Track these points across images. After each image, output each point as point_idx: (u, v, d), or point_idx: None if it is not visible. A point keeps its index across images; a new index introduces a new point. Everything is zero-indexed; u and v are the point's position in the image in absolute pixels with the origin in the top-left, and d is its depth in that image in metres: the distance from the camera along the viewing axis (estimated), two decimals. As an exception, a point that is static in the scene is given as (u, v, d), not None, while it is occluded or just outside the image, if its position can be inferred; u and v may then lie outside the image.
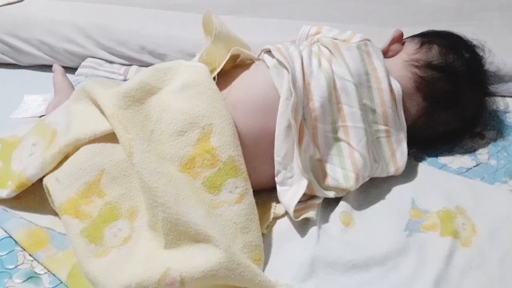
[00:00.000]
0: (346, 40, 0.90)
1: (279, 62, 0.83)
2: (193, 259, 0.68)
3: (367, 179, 0.87)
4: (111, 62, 1.22)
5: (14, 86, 1.22)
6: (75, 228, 0.72)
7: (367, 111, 0.87)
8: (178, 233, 0.69)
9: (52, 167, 0.79)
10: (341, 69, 0.85)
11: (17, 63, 1.27)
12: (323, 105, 0.83)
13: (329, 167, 0.85)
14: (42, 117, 0.94)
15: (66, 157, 0.79)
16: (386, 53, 0.95)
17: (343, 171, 0.85)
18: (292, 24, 1.17)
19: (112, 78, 1.17)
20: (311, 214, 0.80)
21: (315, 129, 0.84)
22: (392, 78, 0.89)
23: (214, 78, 0.81)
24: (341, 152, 0.85)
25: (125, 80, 1.18)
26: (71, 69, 1.23)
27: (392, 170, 0.90)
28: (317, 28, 0.94)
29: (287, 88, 0.81)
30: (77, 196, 0.74)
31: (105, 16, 1.25)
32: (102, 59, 1.22)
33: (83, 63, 1.21)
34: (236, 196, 0.75)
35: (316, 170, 0.85)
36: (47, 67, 1.23)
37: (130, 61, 1.22)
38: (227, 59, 0.83)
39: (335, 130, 0.85)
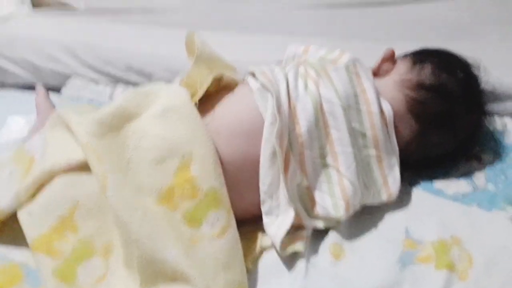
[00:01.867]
0: (334, 60, 0.87)
1: (263, 86, 0.80)
2: (170, 301, 0.64)
3: (358, 207, 0.83)
4: (96, 82, 1.18)
5: (-4, 104, 1.18)
6: (47, 267, 0.69)
7: (357, 135, 0.83)
8: (154, 272, 0.66)
9: (27, 198, 0.75)
10: (329, 92, 0.82)
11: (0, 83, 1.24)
12: (309, 130, 0.79)
13: (317, 195, 0.81)
14: (20, 144, 0.91)
15: (40, 187, 0.75)
16: (376, 73, 0.91)
17: (332, 199, 0.81)
18: (282, 40, 1.13)
19: (97, 100, 1.13)
20: (298, 246, 0.76)
21: (302, 156, 0.80)
22: (382, 99, 0.85)
23: (195, 103, 0.78)
24: (330, 179, 0.81)
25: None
26: (56, 89, 1.19)
27: (384, 197, 0.86)
28: (304, 47, 0.90)
29: (271, 113, 0.77)
30: (49, 231, 0.70)
31: (91, 34, 1.22)
32: (87, 77, 1.18)
33: (68, 82, 1.17)
34: (218, 230, 0.72)
35: (304, 198, 0.81)
36: (31, 87, 1.19)
37: (117, 80, 1.18)
38: (208, 83, 0.80)
39: (323, 156, 0.81)
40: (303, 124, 0.79)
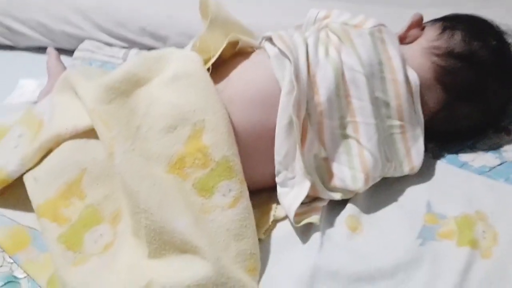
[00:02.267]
0: (358, 25, 0.81)
1: (281, 52, 0.75)
2: (178, 272, 0.62)
3: (378, 179, 0.79)
4: (110, 45, 1.15)
5: (10, 69, 1.17)
6: (52, 233, 0.67)
7: (380, 105, 0.78)
8: (163, 242, 0.63)
9: (33, 164, 0.73)
10: (351, 59, 0.77)
11: (13, 45, 1.22)
12: (330, 99, 0.75)
13: (335, 167, 0.77)
14: (31, 106, 0.88)
15: (49, 152, 0.73)
16: (403, 40, 0.86)
17: (351, 171, 0.77)
18: (302, 4, 1.08)
19: (111, 62, 1.10)
20: (314, 218, 0.73)
21: (321, 125, 0.76)
22: (409, 67, 0.80)
23: (208, 69, 0.74)
24: (350, 150, 0.77)
25: (124, 64, 1.11)
26: (69, 52, 1.17)
27: (406, 170, 0.81)
28: (326, 12, 0.85)
29: (289, 81, 0.73)
30: (55, 197, 0.68)
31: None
32: (100, 41, 1.15)
33: (80, 46, 1.15)
34: (230, 200, 0.68)
35: (321, 170, 0.77)
36: (44, 49, 1.16)
37: (130, 44, 1.15)
38: (223, 47, 0.75)
39: (343, 126, 0.77)
40: (322, 92, 0.75)
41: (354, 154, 0.77)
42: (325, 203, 0.77)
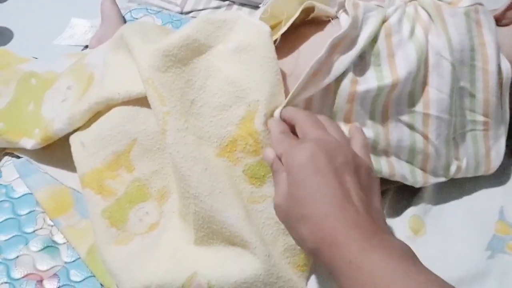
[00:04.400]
0: (453, 2, 0.70)
1: (353, 24, 0.66)
2: (225, 266, 0.57)
3: (442, 180, 0.72)
4: (169, -12, 1.07)
5: (62, 4, 1.11)
6: (96, 206, 0.63)
7: (465, 96, 0.69)
8: (211, 231, 0.59)
9: (81, 124, 0.69)
10: (440, 42, 0.67)
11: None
12: (405, 84, 0.66)
13: (395, 161, 0.70)
14: (82, 55, 0.83)
15: (98, 114, 0.68)
16: (499, 21, 0.75)
17: (409, 166, 0.70)
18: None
19: (167, 9, 1.03)
20: None
21: (386, 110, 0.68)
22: (502, 56, 0.70)
23: (276, 40, 0.66)
24: (414, 144, 0.69)
25: (181, 13, 1.03)
26: (125, -8, 1.09)
27: (482, 170, 0.73)
28: (417, -17, 0.74)
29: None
30: (102, 166, 0.64)
31: None
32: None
33: (137, -13, 1.07)
34: None
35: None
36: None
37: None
38: (295, 16, 0.67)
39: (412, 117, 0.68)
40: (402, 74, 0.66)
41: (418, 149, 0.69)
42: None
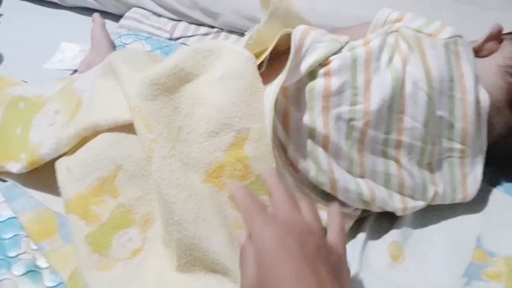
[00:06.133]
0: (433, 34, 0.73)
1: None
2: (206, 292, 0.58)
3: (421, 205, 0.73)
4: (158, 15, 1.09)
5: (52, 29, 1.13)
6: (80, 232, 0.63)
7: (443, 125, 0.72)
8: (193, 258, 0.59)
9: (67, 149, 0.70)
10: (418, 73, 0.69)
11: (60, 2, 1.17)
12: (380, 110, 0.68)
13: (372, 184, 0.72)
14: (71, 80, 0.84)
15: (85, 140, 0.69)
16: (478, 52, 0.78)
17: (387, 190, 0.71)
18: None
19: (156, 35, 1.05)
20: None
21: (363, 136, 0.70)
22: (480, 86, 0.73)
23: (262, 64, 0.68)
24: (388, 168, 0.71)
25: (170, 38, 1.05)
26: (116, 16, 1.12)
27: (459, 197, 0.75)
28: (398, 14, 0.76)
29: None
30: (87, 192, 0.65)
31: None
32: (149, 10, 1.09)
33: (127, 14, 1.09)
34: None
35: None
36: (90, 11, 1.12)
37: (179, 17, 1.09)
38: (274, 43, 0.69)
39: (386, 143, 0.71)
40: (374, 101, 0.68)
41: (392, 173, 0.71)
42: (358, 213, 0.73)
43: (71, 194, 0.65)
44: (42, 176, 0.74)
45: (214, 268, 0.59)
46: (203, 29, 1.08)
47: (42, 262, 0.68)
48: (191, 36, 1.06)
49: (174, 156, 0.62)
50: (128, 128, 0.65)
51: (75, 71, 0.99)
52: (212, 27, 1.08)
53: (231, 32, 1.07)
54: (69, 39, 1.07)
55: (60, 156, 0.71)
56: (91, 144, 0.67)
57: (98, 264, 0.62)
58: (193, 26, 1.08)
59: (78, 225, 0.64)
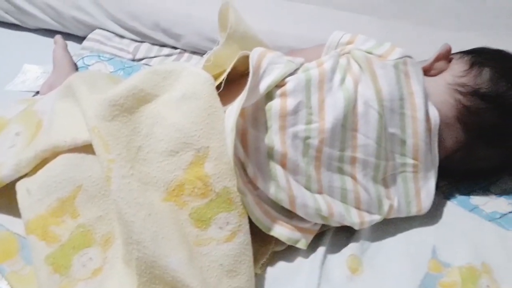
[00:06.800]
0: (383, 55, 0.77)
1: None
2: (167, 310, 0.59)
3: (377, 219, 0.76)
4: (121, 37, 1.11)
5: (14, 50, 1.13)
6: (40, 253, 0.64)
7: (395, 141, 0.75)
8: (153, 276, 0.60)
9: (28, 170, 0.70)
10: (369, 93, 0.73)
11: (22, 24, 1.17)
12: (334, 128, 0.71)
13: (330, 200, 0.74)
14: (31, 102, 0.84)
15: (45, 161, 0.69)
16: (428, 71, 0.81)
17: (344, 205, 0.74)
18: (327, 15, 1.03)
19: (119, 56, 1.06)
20: (302, 244, 0.72)
21: (319, 154, 0.72)
22: (430, 104, 0.76)
23: (220, 85, 0.70)
24: (344, 184, 0.74)
25: (133, 59, 1.07)
26: (78, 38, 1.12)
27: (413, 211, 0.78)
28: (350, 36, 0.80)
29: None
30: (47, 213, 0.65)
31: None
32: (111, 32, 1.10)
33: (90, 35, 1.10)
34: (227, 234, 0.65)
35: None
36: (53, 32, 1.13)
37: (142, 38, 1.10)
38: (231, 66, 0.71)
39: (341, 160, 0.73)
40: (328, 120, 0.71)
41: (349, 189, 0.74)
42: (317, 227, 0.75)
43: (31, 215, 0.65)
44: (2, 198, 0.74)
45: (174, 285, 0.60)
46: (166, 50, 1.09)
47: (3, 284, 0.67)
48: (154, 57, 1.08)
49: (133, 175, 0.63)
50: (87, 148, 0.66)
51: (37, 92, 0.99)
52: (175, 48, 1.10)
53: (194, 53, 1.09)
54: (32, 61, 1.07)
55: (21, 177, 0.71)
56: (50, 165, 0.67)
57: (59, 284, 0.62)
58: (156, 47, 1.09)
59: (38, 246, 0.64)
